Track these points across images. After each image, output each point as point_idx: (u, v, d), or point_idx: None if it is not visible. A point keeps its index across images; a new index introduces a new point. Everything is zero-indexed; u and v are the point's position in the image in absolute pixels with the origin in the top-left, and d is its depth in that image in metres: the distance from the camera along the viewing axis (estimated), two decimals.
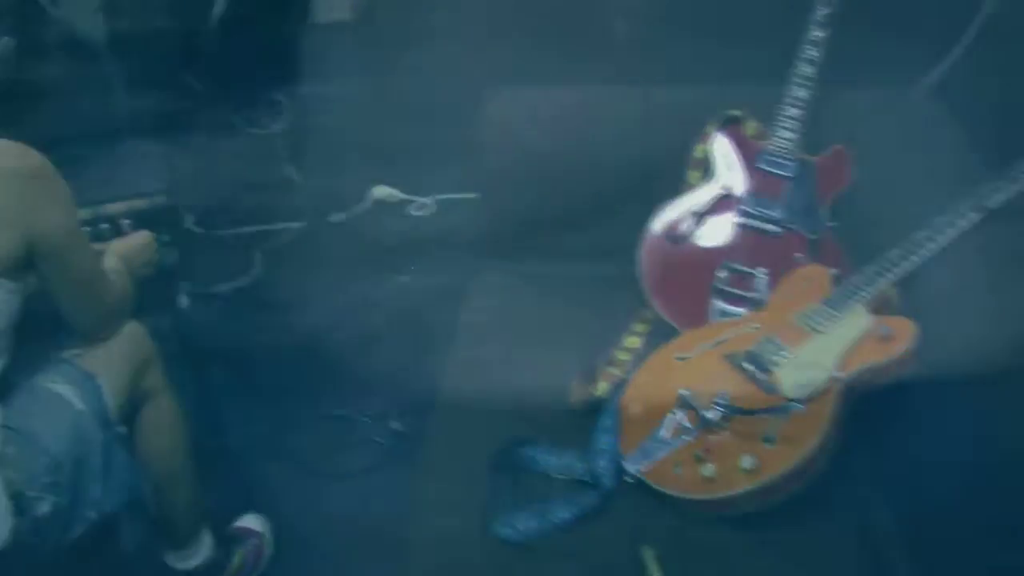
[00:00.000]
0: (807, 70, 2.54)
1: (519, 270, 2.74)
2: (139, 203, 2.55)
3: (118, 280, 2.14)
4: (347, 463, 2.87)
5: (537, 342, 2.44)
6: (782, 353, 2.07)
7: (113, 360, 2.10)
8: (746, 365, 2.08)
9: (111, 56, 3.12)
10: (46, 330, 2.13)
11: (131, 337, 2.18)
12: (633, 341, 2.41)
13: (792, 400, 1.98)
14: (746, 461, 1.91)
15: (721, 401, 2.01)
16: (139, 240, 2.40)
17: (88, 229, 2.49)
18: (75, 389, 1.99)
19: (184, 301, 2.70)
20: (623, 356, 2.36)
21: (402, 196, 4.13)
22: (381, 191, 4.15)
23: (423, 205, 4.08)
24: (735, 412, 2.00)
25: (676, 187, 2.57)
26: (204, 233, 3.75)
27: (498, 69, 4.27)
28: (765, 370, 2.05)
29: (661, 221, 2.51)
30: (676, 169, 2.59)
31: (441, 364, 2.48)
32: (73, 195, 1.94)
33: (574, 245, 2.74)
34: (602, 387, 2.23)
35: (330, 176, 4.14)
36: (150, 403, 2.23)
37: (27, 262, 1.88)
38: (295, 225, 3.95)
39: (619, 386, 2.21)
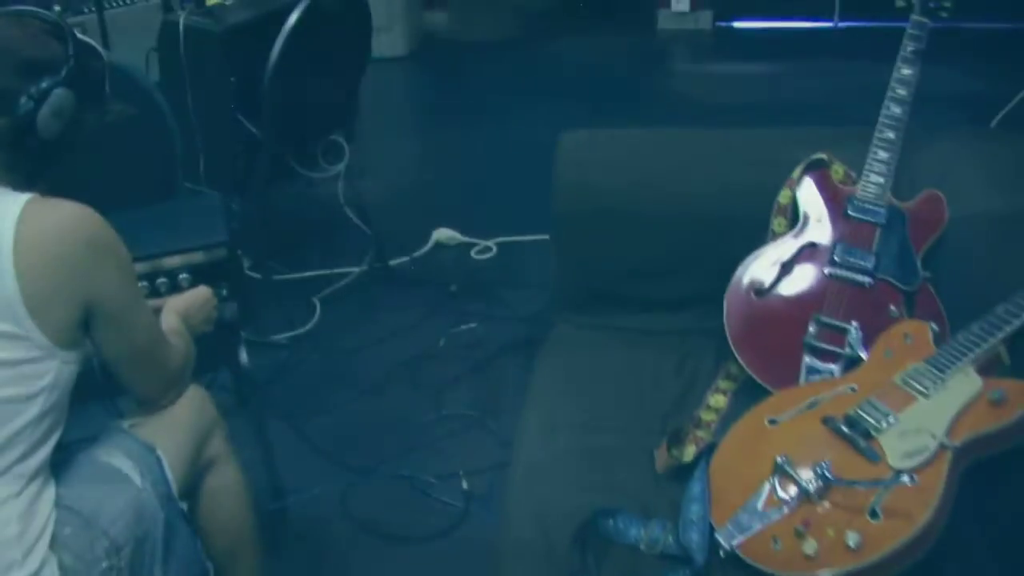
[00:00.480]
0: (896, 110, 2.42)
1: (594, 322, 2.61)
2: (197, 256, 2.45)
3: (178, 343, 2.04)
4: (417, 526, 2.75)
5: (616, 401, 2.31)
6: (886, 418, 1.92)
7: (175, 430, 2.00)
8: (846, 430, 1.93)
9: (166, 101, 3.04)
10: (101, 391, 2.04)
11: (193, 403, 2.07)
12: (718, 400, 2.28)
13: (898, 470, 1.84)
14: (850, 538, 1.77)
15: (821, 470, 1.87)
16: (198, 296, 2.29)
17: (145, 284, 2.40)
18: (134, 463, 1.88)
19: (244, 356, 2.60)
20: (708, 416, 2.23)
21: (463, 239, 4.04)
22: (442, 233, 4.05)
23: (485, 248, 3.98)
24: (836, 482, 1.86)
25: (761, 235, 2.44)
26: (262, 279, 3.66)
27: (567, 110, 4.19)
28: (867, 436, 1.91)
29: (746, 272, 2.38)
30: (760, 216, 2.46)
31: (513, 422, 2.35)
32: (131, 255, 1.84)
33: (653, 296, 2.61)
34: (689, 452, 2.10)
35: (391, 219, 4.06)
36: (213, 472, 2.12)
37: (83, 330, 1.78)
38: (356, 269, 3.85)
39: (708, 451, 2.07)
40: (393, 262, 3.93)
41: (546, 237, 3.76)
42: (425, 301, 3.70)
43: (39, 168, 1.82)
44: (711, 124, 2.86)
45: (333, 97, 3.61)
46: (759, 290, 2.35)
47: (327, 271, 3.89)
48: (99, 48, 1.93)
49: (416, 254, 3.99)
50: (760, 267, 2.37)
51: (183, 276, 2.44)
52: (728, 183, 2.53)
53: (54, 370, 1.74)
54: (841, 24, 6.76)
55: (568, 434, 2.21)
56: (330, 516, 2.77)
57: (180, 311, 2.20)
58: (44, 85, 1.76)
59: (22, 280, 1.67)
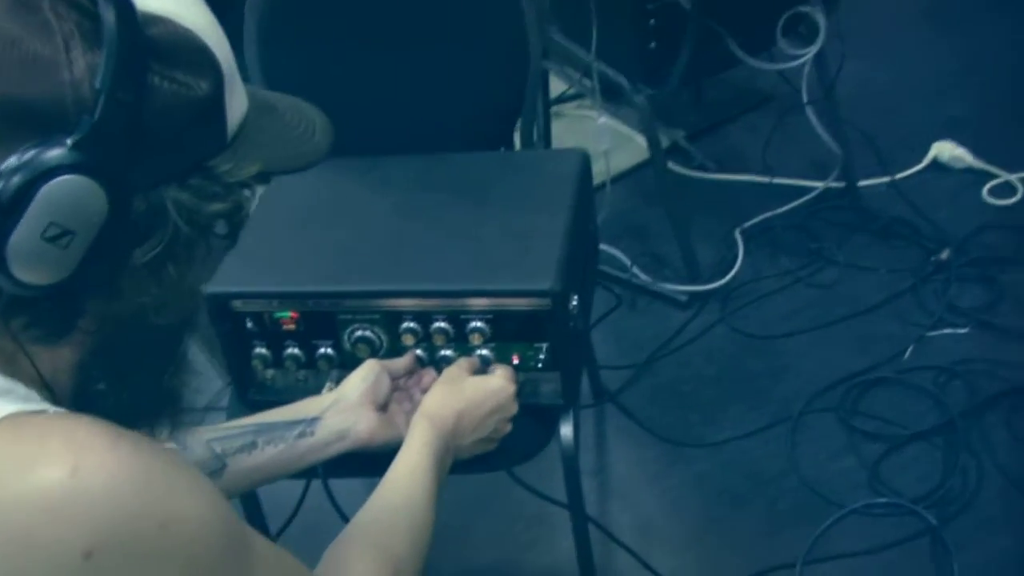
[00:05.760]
0: None
1: None
2: (506, 303, 1.43)
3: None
4: None
5: None
6: None
7: None
8: None
9: None
10: None
11: None
12: None
13: None
14: None
15: None
16: (484, 399, 1.35)
17: (414, 328, 1.45)
18: None
19: (568, 432, 1.58)
20: None
21: (974, 162, 2.74)
22: (944, 148, 2.77)
23: (1005, 187, 2.66)
24: None
25: None
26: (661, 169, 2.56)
27: None
28: None
29: None
30: None
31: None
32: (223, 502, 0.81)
33: None
34: None
35: (873, 121, 2.82)
36: None
37: None
38: (815, 184, 2.67)
39: None
40: (863, 183, 2.71)
41: None
42: (897, 267, 2.49)
43: (44, 328, 0.82)
44: None
45: None
46: None
47: (765, 178, 2.74)
48: (207, 45, 0.81)
49: (900, 175, 2.73)
50: None
51: (475, 325, 1.45)
52: None
53: None
54: None
55: None
56: None
57: (445, 435, 1.27)
58: (25, 167, 0.72)
59: None
